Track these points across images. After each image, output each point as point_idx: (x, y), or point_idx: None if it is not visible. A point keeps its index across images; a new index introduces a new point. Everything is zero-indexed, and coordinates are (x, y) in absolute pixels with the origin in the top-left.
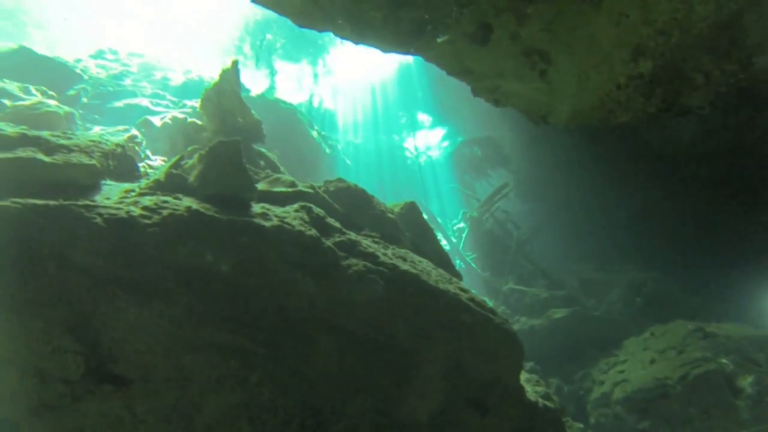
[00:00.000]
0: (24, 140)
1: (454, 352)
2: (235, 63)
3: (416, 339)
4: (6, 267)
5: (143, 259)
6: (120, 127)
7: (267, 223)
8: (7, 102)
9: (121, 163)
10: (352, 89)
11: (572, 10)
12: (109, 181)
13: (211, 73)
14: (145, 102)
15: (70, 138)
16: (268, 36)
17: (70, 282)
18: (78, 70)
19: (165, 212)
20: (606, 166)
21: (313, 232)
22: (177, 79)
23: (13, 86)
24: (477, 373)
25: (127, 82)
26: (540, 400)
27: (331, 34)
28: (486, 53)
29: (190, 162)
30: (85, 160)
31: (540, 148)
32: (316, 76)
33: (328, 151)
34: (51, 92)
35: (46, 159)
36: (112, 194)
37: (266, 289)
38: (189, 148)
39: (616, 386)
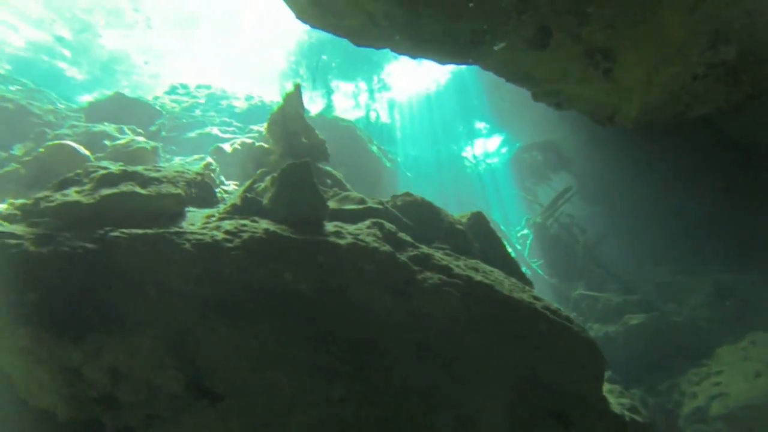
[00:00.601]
0: (125, 176)
1: (533, 362)
2: (298, 86)
3: (494, 350)
4: (116, 292)
5: (228, 281)
6: (196, 156)
7: (342, 242)
8: (107, 142)
9: (201, 190)
10: (408, 102)
11: (636, 4)
12: (191, 208)
13: (271, 97)
14: (215, 130)
15: (159, 170)
16: (323, 57)
17: (167, 304)
18: (157, 107)
19: (245, 235)
20: (677, 161)
21: (387, 247)
22: (241, 106)
23: (111, 128)
24: (557, 384)
25: (197, 113)
26: (626, 413)
27: (385, 51)
28: (546, 57)
29: (263, 185)
30: (173, 189)
31: (604, 149)
32: (371, 92)
33: (388, 165)
34: (139, 129)
35: (143, 191)
36: (195, 220)
37: (345, 306)
38: (258, 171)
39: (713, 400)
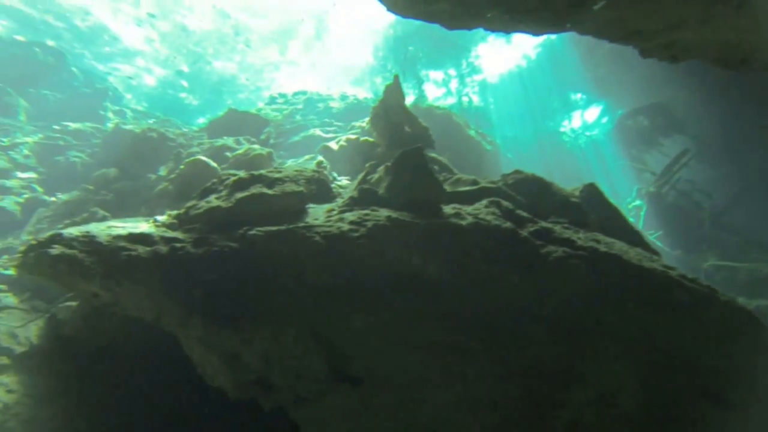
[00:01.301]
0: (252, 179)
1: (673, 335)
2: (396, 77)
3: (628, 323)
4: (260, 284)
5: (358, 268)
6: (306, 157)
7: (463, 222)
8: (228, 154)
9: (319, 187)
10: (500, 82)
11: None
12: (311, 204)
13: (364, 94)
14: (317, 132)
15: (280, 171)
16: (410, 49)
17: (305, 294)
18: (264, 116)
19: (369, 224)
20: None
21: (509, 224)
22: (338, 106)
23: (229, 140)
24: (704, 359)
25: (298, 118)
26: None
27: (472, 34)
28: (657, 5)
29: (376, 176)
30: (295, 187)
31: (725, 105)
32: (461, 77)
33: (488, 147)
34: (252, 138)
35: (270, 192)
36: (318, 215)
37: (472, 285)
38: (367, 165)
39: None
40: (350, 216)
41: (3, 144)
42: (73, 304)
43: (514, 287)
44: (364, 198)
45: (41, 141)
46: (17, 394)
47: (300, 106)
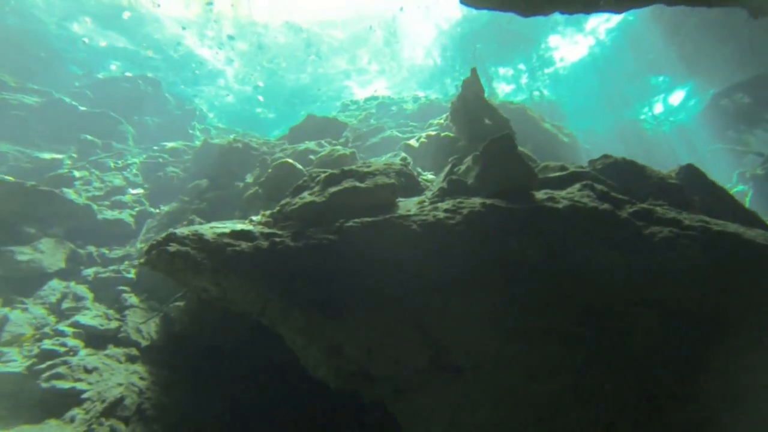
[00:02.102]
0: (343, 174)
1: None
2: (474, 70)
3: (756, 308)
4: (360, 275)
5: (457, 255)
6: (389, 155)
7: (559, 205)
8: (311, 157)
9: (407, 180)
10: (573, 72)
11: None
12: (400, 198)
13: (434, 95)
14: (395, 132)
15: (369, 166)
16: (477, 46)
17: (404, 282)
18: (341, 120)
19: (465, 211)
20: None
21: (606, 206)
22: (410, 108)
23: (311, 144)
24: None
25: (372, 122)
26: None
27: (540, 26)
28: None
29: (463, 167)
30: (387, 180)
31: None
32: (531, 71)
33: (566, 140)
34: (334, 141)
35: (362, 185)
36: (409, 206)
37: (574, 268)
38: (450, 159)
39: None
40: (443, 205)
41: (118, 165)
42: (181, 304)
43: (618, 270)
44: (453, 188)
45: (145, 160)
46: (147, 381)
47: (373, 111)
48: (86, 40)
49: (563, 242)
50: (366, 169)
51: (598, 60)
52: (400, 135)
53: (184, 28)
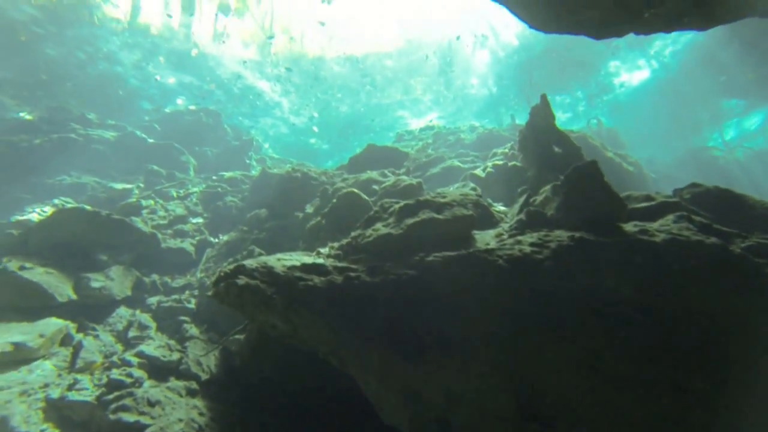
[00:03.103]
0: (419, 205)
1: None
2: (544, 96)
3: None
4: (442, 313)
5: (546, 292)
6: (456, 185)
7: (656, 239)
8: (375, 187)
9: (482, 211)
10: (635, 98)
11: None
12: (475, 230)
13: (491, 124)
14: (456, 162)
15: (445, 196)
16: (534, 74)
17: (490, 322)
18: (401, 151)
19: (552, 245)
20: None
21: (713, 239)
22: (468, 137)
23: (374, 174)
24: None
25: (430, 151)
26: None
27: (599, 52)
28: None
29: (540, 198)
30: (465, 211)
31: None
32: (589, 99)
33: (631, 168)
34: (397, 171)
35: (440, 216)
36: (485, 240)
37: (679, 309)
38: (520, 189)
39: None
40: (526, 238)
41: (180, 195)
42: (241, 337)
43: (735, 314)
44: (533, 220)
45: (205, 190)
46: (206, 418)
47: (430, 141)
48: (158, 77)
49: (664, 280)
50: (442, 200)
51: (662, 84)
52: (461, 165)
53: (244, 63)
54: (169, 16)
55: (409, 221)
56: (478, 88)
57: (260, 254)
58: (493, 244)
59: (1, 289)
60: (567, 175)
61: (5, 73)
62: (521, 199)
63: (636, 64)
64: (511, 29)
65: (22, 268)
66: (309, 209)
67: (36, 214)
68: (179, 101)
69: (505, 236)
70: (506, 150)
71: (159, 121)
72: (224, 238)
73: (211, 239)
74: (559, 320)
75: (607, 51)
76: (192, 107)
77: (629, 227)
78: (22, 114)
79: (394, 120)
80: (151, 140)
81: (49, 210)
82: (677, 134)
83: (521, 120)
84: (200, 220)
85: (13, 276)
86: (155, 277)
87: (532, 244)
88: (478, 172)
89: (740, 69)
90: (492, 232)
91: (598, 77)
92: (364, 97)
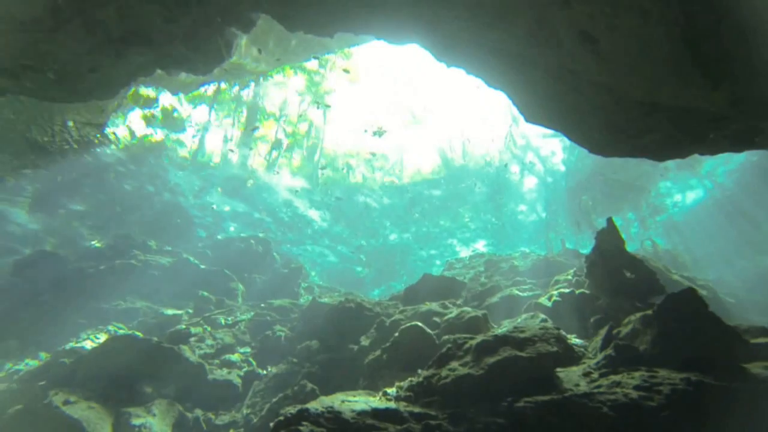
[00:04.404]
0: (497, 341)
1: None
2: (610, 219)
3: None
4: None
5: None
6: (524, 315)
7: None
8: (436, 319)
9: (563, 346)
10: (690, 218)
11: None
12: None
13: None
14: (515, 290)
15: (523, 331)
16: (583, 198)
17: None
18: (459, 280)
19: (664, 389)
20: None
21: None
22: (522, 264)
23: (434, 305)
24: None
25: (482, 279)
26: None
27: (650, 174)
28: None
29: (624, 330)
30: (549, 348)
31: None
32: (642, 219)
33: (704, 293)
34: (457, 302)
35: (524, 354)
36: (571, 379)
37: None
38: (592, 318)
39: None
40: (626, 379)
41: (228, 322)
42: None
43: None
44: (622, 356)
45: (253, 318)
46: None
47: (481, 269)
48: (214, 206)
49: None
50: (521, 335)
51: (720, 202)
52: (519, 293)
53: (296, 192)
54: (231, 150)
55: (490, 360)
56: (526, 213)
57: (313, 390)
58: (583, 386)
59: (43, 425)
60: (661, 305)
61: (89, 207)
62: (602, 332)
63: (688, 184)
64: (558, 156)
65: (66, 402)
66: (364, 342)
67: (89, 341)
68: (231, 228)
69: (594, 375)
70: (569, 276)
71: (211, 247)
72: (272, 370)
73: (259, 371)
74: None
75: (655, 172)
76: (243, 235)
77: (758, 369)
78: (93, 242)
79: (443, 247)
80: (202, 266)
81: (102, 337)
82: (743, 254)
83: (571, 245)
84: (248, 349)
85: (56, 412)
86: (198, 412)
87: (637, 388)
88: (543, 300)
89: None
90: (577, 370)
91: (649, 198)
92: (414, 225)
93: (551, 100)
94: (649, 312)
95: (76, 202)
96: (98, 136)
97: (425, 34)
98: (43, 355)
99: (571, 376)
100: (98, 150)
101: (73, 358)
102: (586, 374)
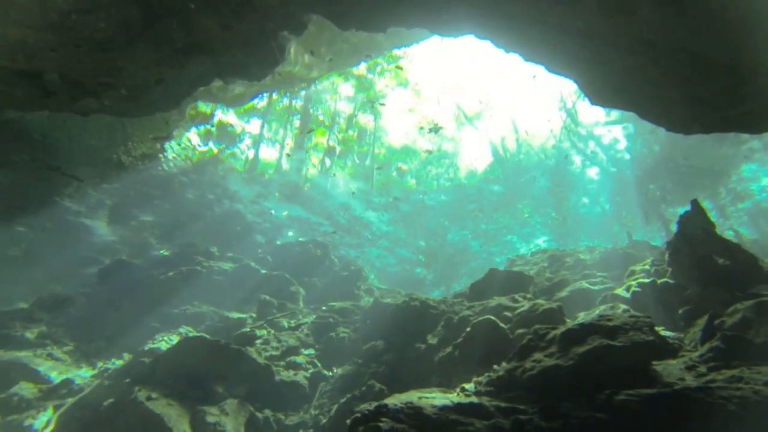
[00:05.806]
0: (584, 330)
1: None
2: (695, 201)
3: None
4: None
5: None
6: (602, 307)
7: None
8: (507, 313)
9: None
10: None
11: None
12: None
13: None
14: (584, 284)
15: (610, 319)
16: (650, 187)
17: None
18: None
19: None
20: None
21: None
22: (588, 257)
23: (503, 300)
24: None
25: (548, 274)
26: None
27: (724, 159)
28: None
29: (730, 320)
30: (644, 336)
31: None
32: (721, 207)
33: None
34: (528, 295)
35: (616, 343)
36: (672, 372)
37: None
38: (681, 309)
39: None
40: (749, 374)
41: (291, 325)
42: None
43: None
44: (734, 347)
45: (316, 321)
46: None
47: (545, 264)
48: (273, 211)
49: None
50: (611, 323)
51: None
52: (590, 287)
53: (353, 193)
54: (288, 155)
55: (579, 350)
56: (589, 206)
57: (381, 389)
58: (689, 379)
59: (129, 418)
60: None
61: (156, 217)
62: (700, 322)
63: None
64: (621, 143)
65: (149, 398)
66: (431, 340)
67: (164, 342)
68: (290, 233)
69: (701, 368)
70: (646, 266)
71: (271, 252)
72: (338, 371)
73: (325, 372)
74: None
75: (738, 154)
76: (301, 239)
77: None
78: (161, 251)
79: (502, 245)
80: (263, 271)
81: (175, 338)
82: None
83: (638, 237)
84: (312, 351)
85: (141, 407)
86: (268, 413)
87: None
88: (621, 291)
89: None
90: (675, 363)
91: (729, 184)
92: (473, 223)
93: (622, 77)
94: (766, 299)
95: (146, 213)
96: (165, 147)
97: (483, 20)
98: (126, 354)
99: (671, 369)
100: (163, 163)
101: (152, 358)
102: (690, 368)
